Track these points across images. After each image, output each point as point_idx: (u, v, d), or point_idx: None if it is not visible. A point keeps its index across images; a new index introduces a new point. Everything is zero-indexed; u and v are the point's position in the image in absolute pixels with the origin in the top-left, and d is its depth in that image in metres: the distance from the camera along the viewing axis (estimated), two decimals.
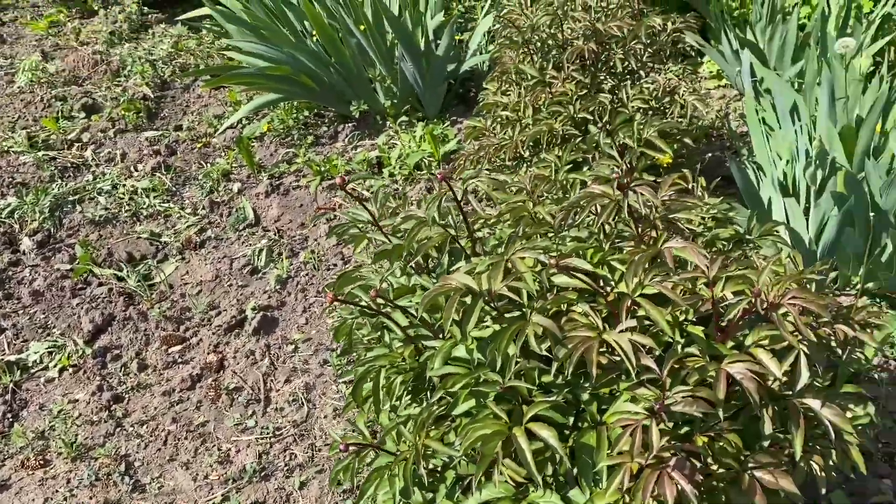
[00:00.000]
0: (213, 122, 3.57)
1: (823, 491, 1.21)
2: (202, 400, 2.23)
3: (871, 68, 3.11)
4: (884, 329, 2.09)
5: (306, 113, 3.57)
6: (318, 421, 2.12)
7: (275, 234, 2.86)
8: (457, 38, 3.74)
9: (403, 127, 3.40)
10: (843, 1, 3.10)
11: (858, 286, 2.24)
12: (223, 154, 3.35)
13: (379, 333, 1.45)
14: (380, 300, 1.36)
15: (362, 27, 3.22)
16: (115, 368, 2.37)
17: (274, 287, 2.60)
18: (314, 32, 3.26)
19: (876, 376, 1.99)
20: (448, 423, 1.31)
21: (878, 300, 2.25)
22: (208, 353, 2.38)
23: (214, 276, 2.68)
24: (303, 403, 2.18)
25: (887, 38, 3.10)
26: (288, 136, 3.44)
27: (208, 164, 3.28)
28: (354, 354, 1.56)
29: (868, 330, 1.36)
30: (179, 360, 2.38)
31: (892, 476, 1.78)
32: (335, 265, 2.68)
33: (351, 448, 1.33)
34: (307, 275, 2.65)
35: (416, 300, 1.42)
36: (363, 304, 1.41)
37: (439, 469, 1.36)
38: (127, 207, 3.01)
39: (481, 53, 3.60)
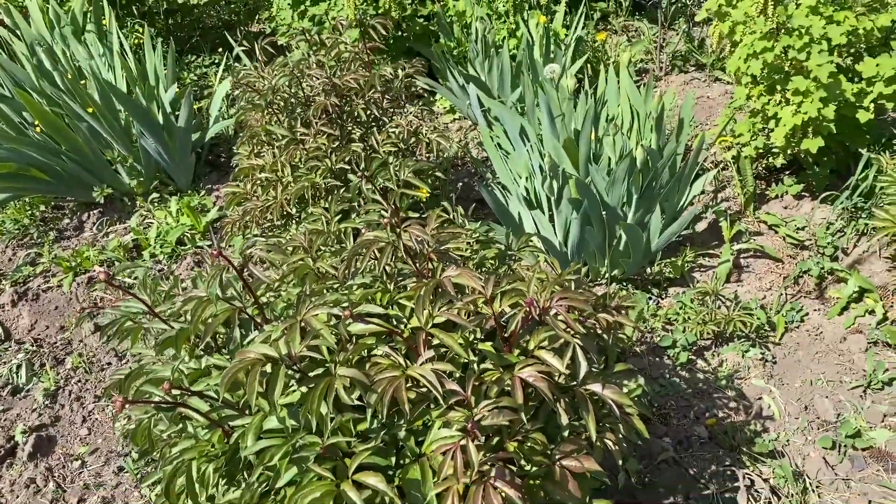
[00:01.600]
0: None
1: (620, 462, 1.37)
2: None
3: (577, 85, 3.56)
4: (636, 307, 2.39)
5: (43, 207, 3.29)
6: None
7: (32, 345, 2.58)
8: (195, 105, 3.66)
9: (156, 204, 3.25)
10: (541, 31, 3.51)
11: (606, 275, 2.54)
12: None
13: (181, 426, 1.39)
14: (175, 391, 1.30)
15: (91, 109, 3.04)
16: None
17: (43, 403, 2.35)
18: (37, 122, 3.01)
19: (638, 350, 2.27)
20: (273, 498, 1.29)
21: (625, 283, 2.57)
22: None
23: None
24: None
25: (583, 59, 3.57)
26: (26, 236, 3.14)
27: None
28: (157, 454, 1.47)
29: (623, 312, 1.57)
30: None
31: (669, 433, 2.04)
32: (109, 364, 2.48)
33: None
34: (79, 381, 2.43)
35: (214, 382, 1.38)
36: (157, 399, 1.34)
37: None
38: None
39: (224, 118, 3.56)
